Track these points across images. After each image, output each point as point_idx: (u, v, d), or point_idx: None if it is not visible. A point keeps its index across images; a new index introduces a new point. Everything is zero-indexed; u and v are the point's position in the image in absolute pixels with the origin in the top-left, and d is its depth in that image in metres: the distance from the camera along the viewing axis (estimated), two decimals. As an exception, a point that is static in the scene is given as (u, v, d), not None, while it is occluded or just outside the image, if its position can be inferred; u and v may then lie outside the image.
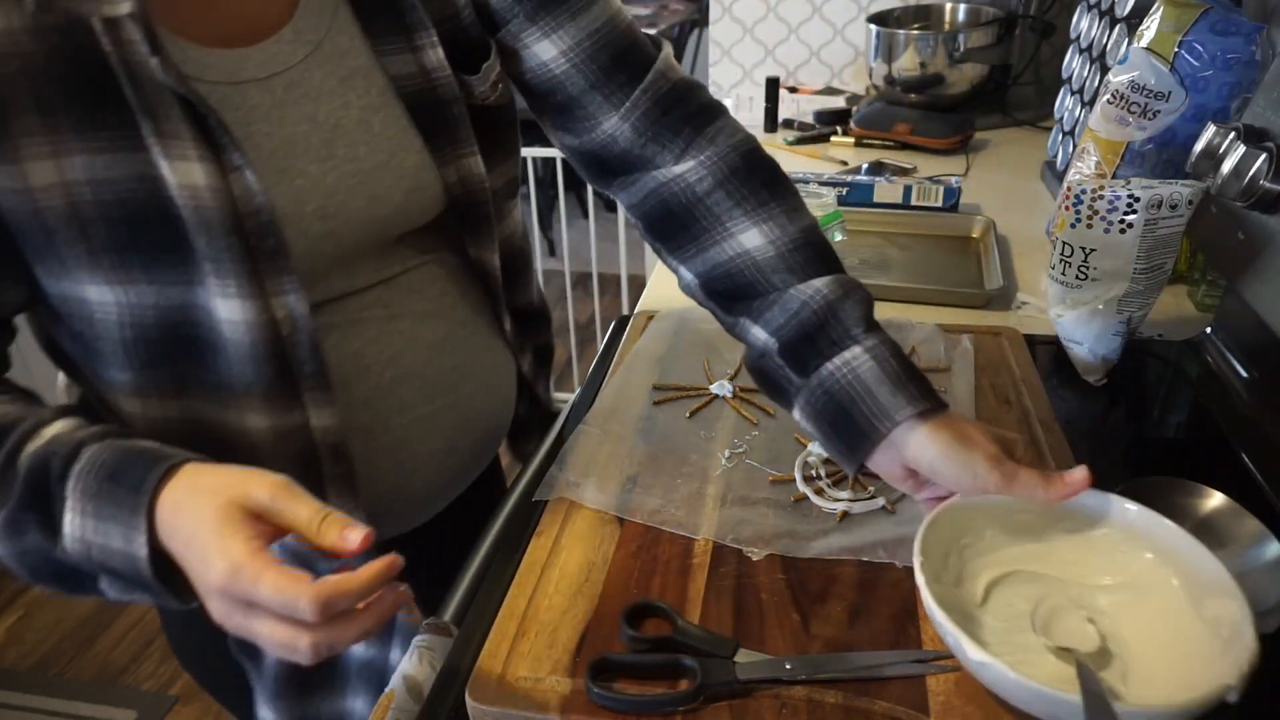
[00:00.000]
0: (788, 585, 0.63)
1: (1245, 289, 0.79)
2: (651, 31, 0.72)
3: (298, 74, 0.61)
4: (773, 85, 1.71)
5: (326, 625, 0.46)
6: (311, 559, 0.56)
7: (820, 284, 0.63)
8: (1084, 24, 1.26)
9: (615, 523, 0.69)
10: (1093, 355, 0.89)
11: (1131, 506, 0.58)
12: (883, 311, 0.65)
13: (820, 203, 1.12)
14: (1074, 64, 1.29)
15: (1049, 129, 1.41)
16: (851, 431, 0.60)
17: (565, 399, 0.91)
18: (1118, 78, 0.97)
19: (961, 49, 1.59)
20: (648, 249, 0.76)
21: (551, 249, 3.49)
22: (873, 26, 1.66)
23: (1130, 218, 0.82)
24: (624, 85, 0.68)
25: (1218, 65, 0.91)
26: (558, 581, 0.63)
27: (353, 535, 0.47)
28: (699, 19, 3.61)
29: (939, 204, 1.27)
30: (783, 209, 0.67)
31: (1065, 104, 1.31)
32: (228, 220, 0.56)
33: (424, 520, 0.78)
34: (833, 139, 1.63)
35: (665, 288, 1.09)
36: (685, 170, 0.68)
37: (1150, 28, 0.95)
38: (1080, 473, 0.56)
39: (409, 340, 0.70)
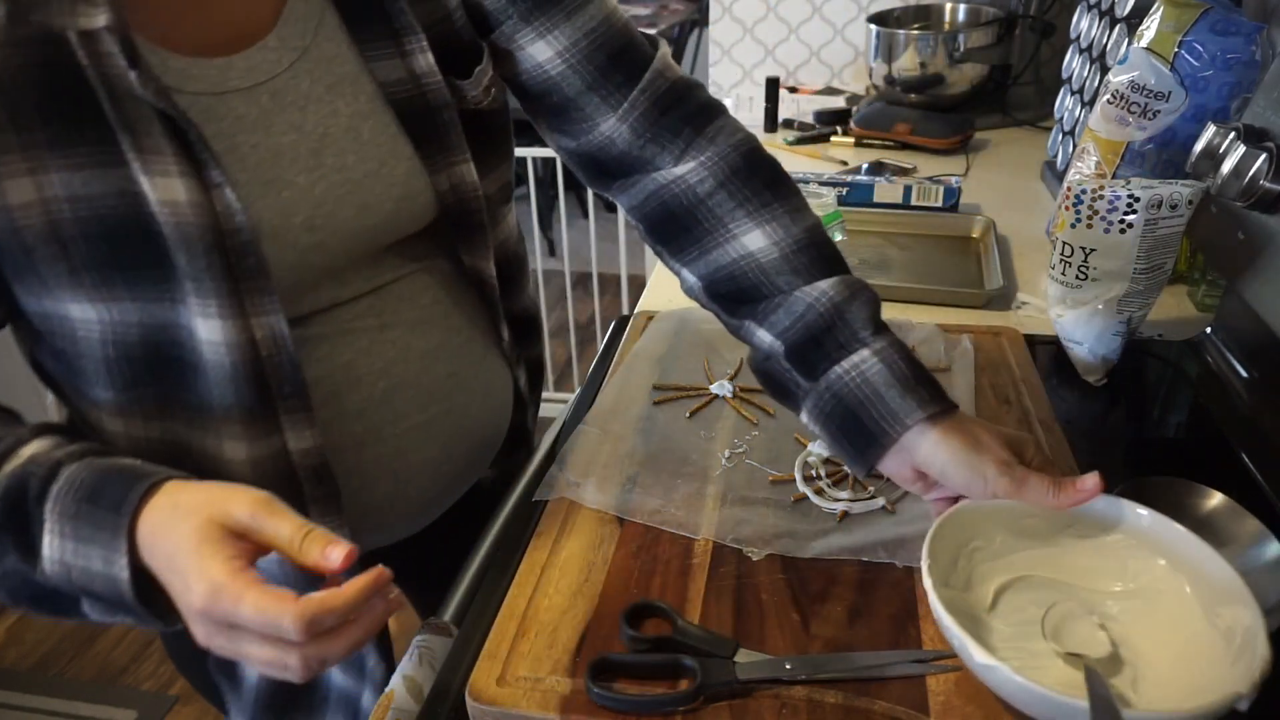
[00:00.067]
0: (788, 585, 0.63)
1: (1245, 289, 0.79)
2: (651, 31, 0.71)
3: (283, 82, 0.60)
4: (773, 85, 1.71)
5: (315, 641, 0.45)
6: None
7: (825, 286, 0.63)
8: (1084, 24, 1.26)
9: (615, 523, 0.69)
10: (1093, 355, 0.89)
11: (1144, 512, 0.57)
12: (883, 311, 0.65)
13: (820, 203, 1.12)
14: (1074, 64, 1.29)
15: (1049, 129, 1.41)
16: (861, 436, 0.60)
17: (565, 399, 0.91)
18: (1118, 78, 0.97)
19: (961, 49, 1.59)
20: (648, 249, 0.75)
21: (551, 249, 3.49)
22: (873, 26, 1.66)
23: (1130, 218, 0.82)
24: (621, 86, 0.67)
25: (1218, 65, 0.91)
26: (558, 581, 0.63)
27: (335, 553, 0.46)
28: (699, 19, 3.60)
29: (939, 204, 1.27)
30: (785, 209, 0.66)
31: (1065, 104, 1.31)
32: (209, 237, 0.55)
33: (420, 528, 0.78)
34: (833, 139, 1.63)
35: (665, 288, 1.09)
36: (686, 171, 0.67)
37: (1150, 28, 0.95)
38: (1091, 480, 0.55)
39: (402, 349, 0.69)
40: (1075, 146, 1.13)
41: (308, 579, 0.48)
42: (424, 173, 0.66)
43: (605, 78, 0.67)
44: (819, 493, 0.71)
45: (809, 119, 1.71)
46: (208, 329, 0.57)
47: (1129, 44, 0.98)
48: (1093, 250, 0.85)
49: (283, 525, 0.47)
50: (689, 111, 0.68)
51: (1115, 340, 0.88)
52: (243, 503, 0.48)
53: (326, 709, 0.73)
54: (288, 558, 0.47)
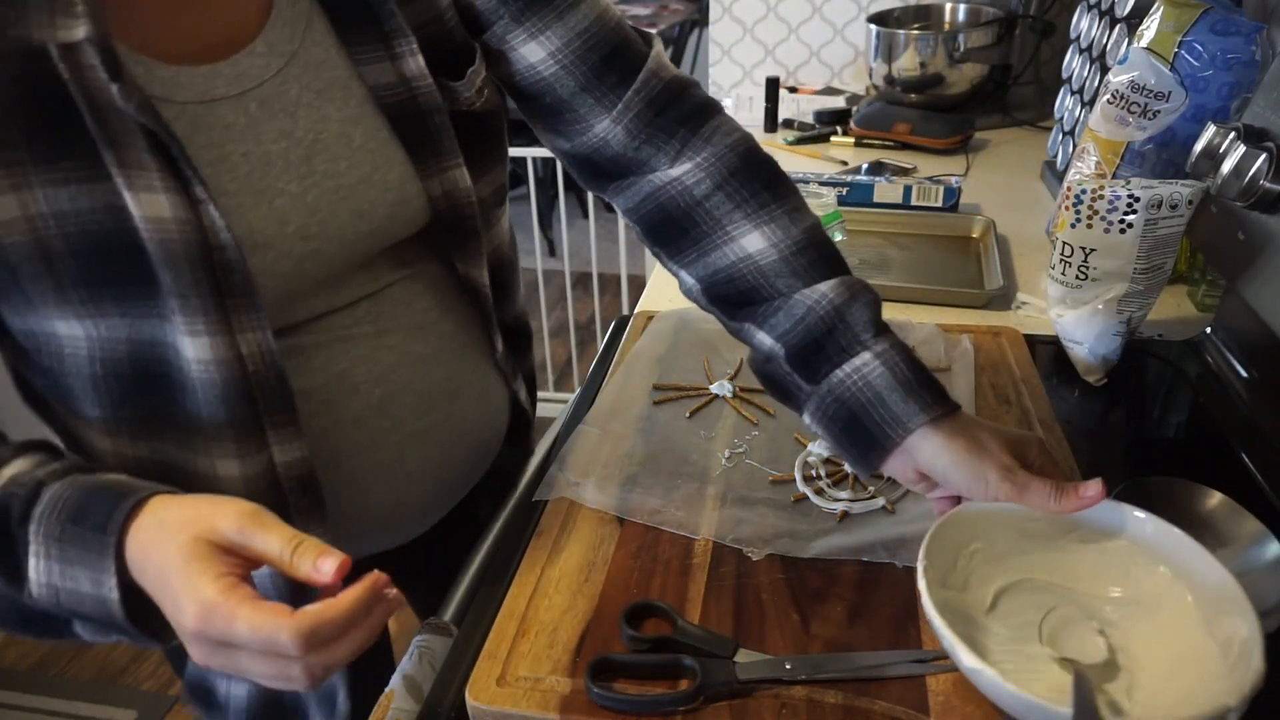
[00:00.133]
0: (788, 585, 0.63)
1: (1245, 289, 0.79)
2: (651, 31, 0.71)
3: (272, 88, 0.59)
4: (773, 85, 1.71)
5: (316, 651, 0.44)
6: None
7: (825, 288, 0.62)
8: (1084, 24, 1.26)
9: (615, 523, 0.69)
10: (1093, 355, 0.89)
11: (1148, 520, 0.57)
12: (883, 312, 0.65)
13: (820, 203, 1.12)
14: (1074, 64, 1.29)
15: (1049, 129, 1.41)
16: (864, 438, 0.59)
17: (565, 399, 0.91)
18: (1118, 78, 0.97)
19: (961, 49, 1.59)
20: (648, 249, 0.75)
21: (551, 249, 3.49)
22: (873, 26, 1.66)
23: (1130, 218, 0.82)
24: (615, 87, 0.66)
25: (1218, 65, 0.91)
26: (558, 581, 0.63)
27: (326, 565, 0.45)
28: (699, 19, 3.61)
29: (939, 204, 1.27)
30: (784, 210, 0.66)
31: (1065, 104, 1.31)
32: (195, 253, 0.53)
33: (420, 532, 0.77)
34: (833, 139, 1.63)
35: (665, 288, 1.09)
36: (682, 173, 0.67)
37: (1150, 28, 0.95)
38: (1094, 486, 0.55)
39: (399, 356, 0.68)
40: (1075, 146, 1.13)
41: (302, 588, 0.47)
42: (417, 177, 0.65)
43: (599, 79, 0.66)
44: (819, 493, 0.71)
45: (809, 119, 1.71)
46: (195, 347, 0.55)
47: (1129, 44, 0.98)
48: (1093, 250, 0.85)
49: (271, 539, 0.46)
50: (684, 112, 0.68)
51: (1115, 340, 0.88)
52: (229, 517, 0.47)
53: None
54: (279, 571, 0.46)
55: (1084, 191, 0.84)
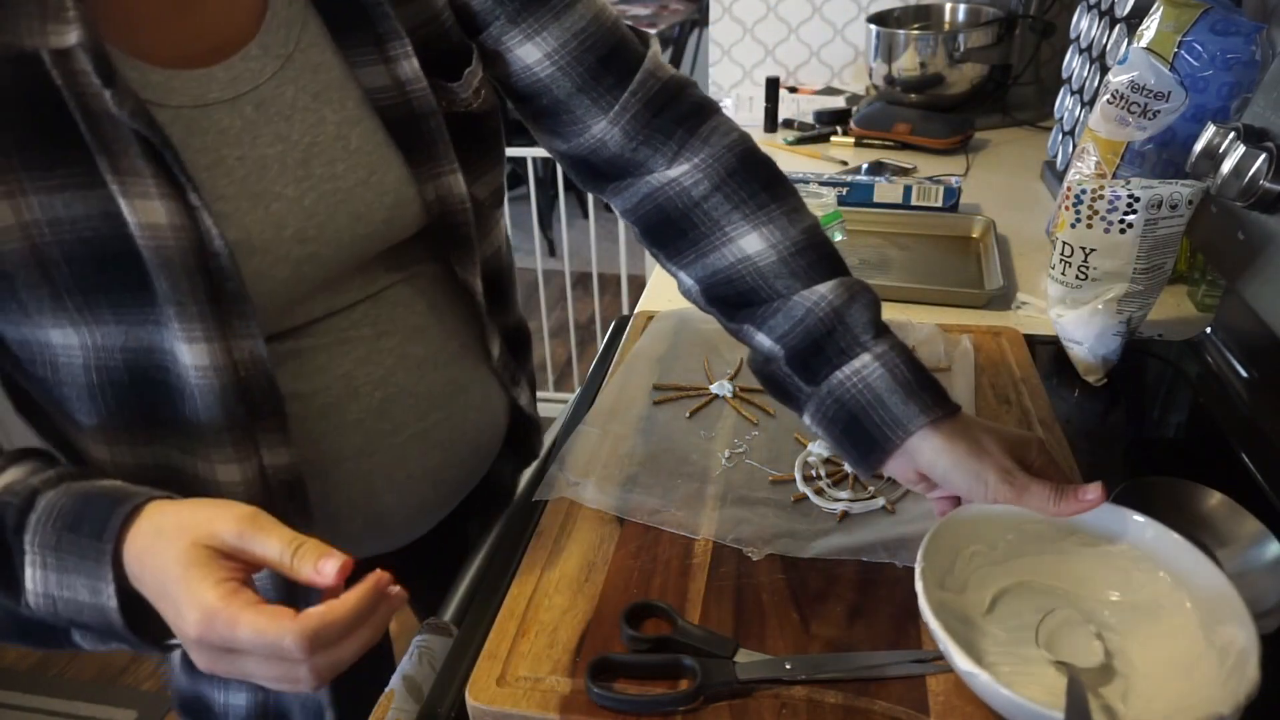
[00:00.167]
0: (788, 585, 0.63)
1: (1245, 289, 0.79)
2: (651, 31, 0.70)
3: (268, 91, 0.58)
4: (773, 85, 1.71)
5: (322, 651, 0.44)
6: None
7: (825, 289, 0.62)
8: (1084, 24, 1.26)
9: (615, 523, 0.69)
10: (1093, 355, 0.89)
11: (1149, 524, 0.57)
12: (883, 312, 0.65)
13: (820, 203, 1.12)
14: (1074, 64, 1.29)
15: (1049, 129, 1.41)
16: (865, 440, 0.59)
17: (565, 399, 0.91)
18: (1118, 78, 0.97)
19: (961, 49, 1.59)
20: (647, 249, 0.75)
21: (551, 249, 3.49)
22: (873, 26, 1.66)
23: (1130, 218, 0.82)
24: (612, 88, 0.66)
25: (1218, 65, 0.91)
26: (558, 581, 0.63)
27: (328, 566, 0.45)
28: (699, 19, 3.61)
29: (939, 204, 1.27)
30: (782, 210, 0.65)
31: (1065, 104, 1.31)
32: (191, 260, 0.53)
33: (421, 534, 0.77)
34: (833, 139, 1.63)
35: (665, 288, 1.09)
36: (680, 174, 0.67)
37: (1150, 28, 0.95)
38: (1093, 490, 0.55)
39: (398, 358, 0.68)
40: (1075, 146, 1.13)
41: (301, 588, 0.47)
42: (413, 181, 0.64)
43: (595, 80, 0.65)
44: (819, 493, 0.71)
45: (809, 119, 1.71)
46: (192, 354, 0.55)
47: (1129, 44, 0.98)
48: (1093, 250, 0.85)
49: (271, 542, 0.46)
50: (682, 112, 0.67)
51: (1115, 340, 0.88)
52: (228, 521, 0.46)
53: None
54: (280, 574, 0.46)
55: (1084, 191, 0.84)
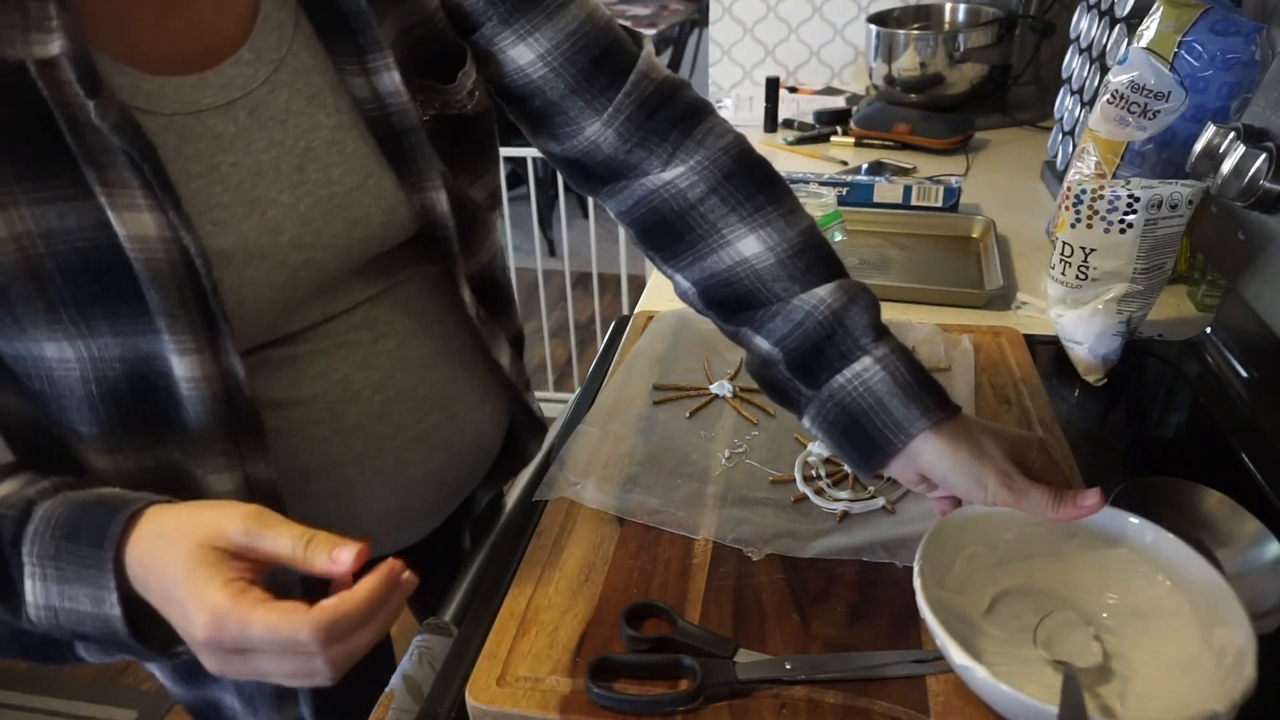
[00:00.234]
0: (788, 585, 0.63)
1: (1245, 289, 0.79)
2: (651, 32, 0.70)
3: (261, 96, 0.57)
4: (773, 85, 1.71)
5: (338, 641, 0.44)
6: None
7: (823, 293, 0.62)
8: (1084, 24, 1.26)
9: (615, 523, 0.69)
10: (1093, 355, 0.89)
11: (1149, 528, 0.57)
12: (883, 312, 0.65)
13: (820, 203, 1.12)
14: (1074, 64, 1.29)
15: (1049, 129, 1.41)
16: (866, 444, 0.59)
17: (565, 399, 0.90)
18: (1118, 78, 0.97)
19: (961, 49, 1.59)
20: (647, 250, 0.75)
21: (551, 249, 3.49)
22: (873, 26, 1.66)
23: (1130, 218, 0.82)
24: (605, 89, 0.65)
25: (1218, 65, 0.91)
26: (558, 581, 0.63)
27: (344, 554, 0.45)
28: (699, 19, 3.60)
29: (939, 204, 1.27)
30: (779, 212, 0.65)
31: (1065, 104, 1.31)
32: (181, 272, 0.52)
33: (423, 535, 0.77)
34: (833, 139, 1.63)
35: (665, 288, 1.09)
36: (675, 176, 0.66)
37: (1150, 28, 0.95)
38: (1092, 496, 0.55)
39: (397, 360, 0.67)
40: (1075, 146, 1.13)
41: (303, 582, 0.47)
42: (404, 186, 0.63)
43: (589, 81, 0.65)
44: (819, 493, 0.71)
45: (809, 119, 1.71)
46: (184, 365, 0.54)
47: (1129, 44, 0.98)
48: (1093, 250, 0.85)
49: (281, 537, 0.46)
50: (676, 114, 0.67)
51: (1115, 340, 0.88)
52: (234, 520, 0.46)
53: None
54: (293, 567, 0.46)
55: (1084, 191, 0.84)
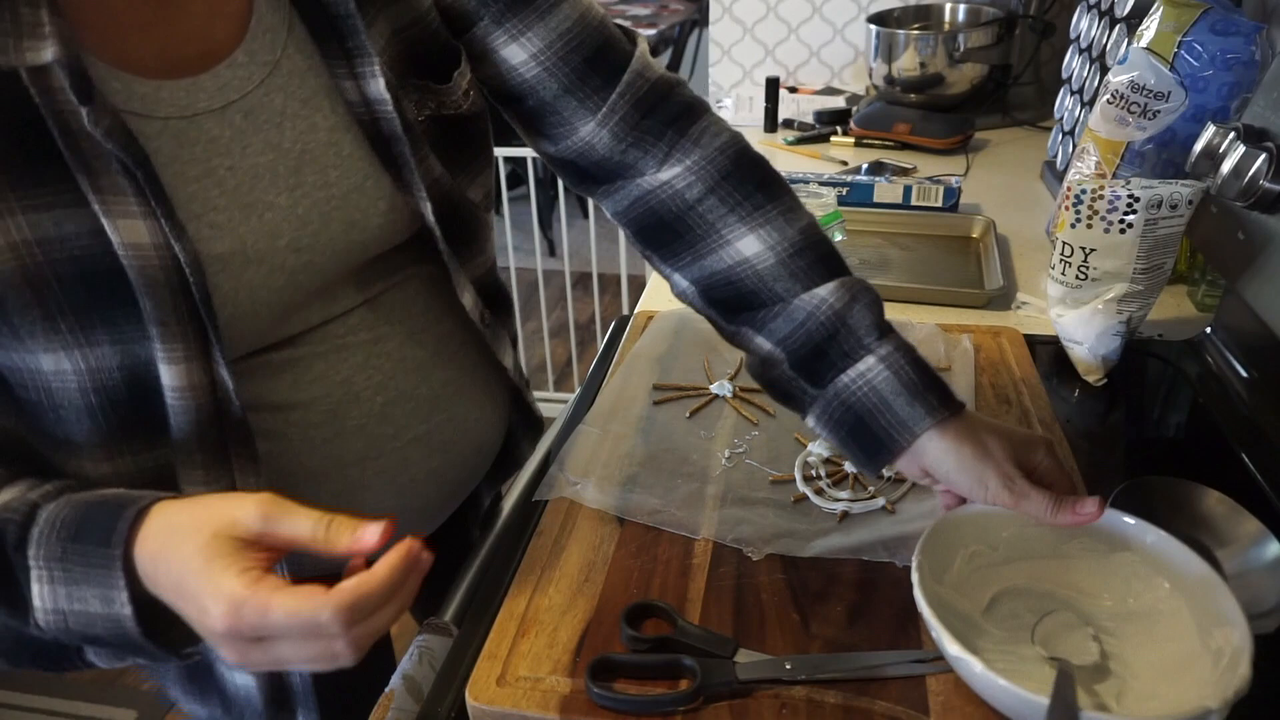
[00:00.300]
0: (788, 585, 0.63)
1: (1245, 289, 0.79)
2: (651, 32, 0.70)
3: (256, 99, 0.57)
4: (773, 85, 1.71)
5: (360, 622, 0.44)
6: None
7: (825, 292, 0.62)
8: (1084, 24, 1.26)
9: (615, 523, 0.69)
10: (1093, 355, 0.89)
11: (1150, 531, 0.57)
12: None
13: (820, 203, 1.12)
14: (1074, 64, 1.29)
15: (1049, 129, 1.41)
16: (871, 443, 0.59)
17: (565, 399, 0.91)
18: (1118, 78, 0.97)
19: (961, 49, 1.59)
20: (648, 250, 0.74)
21: (551, 249, 3.49)
22: (873, 26, 1.66)
23: (1130, 218, 0.82)
24: (599, 88, 0.65)
25: (1218, 65, 0.91)
26: (558, 581, 0.63)
27: (369, 533, 0.45)
28: (699, 19, 3.60)
29: (939, 204, 1.27)
30: (779, 211, 0.65)
31: (1065, 104, 1.31)
32: (174, 279, 0.52)
33: (424, 535, 0.77)
34: (833, 139, 1.63)
35: (665, 288, 1.08)
36: (672, 177, 0.66)
37: (1150, 28, 0.95)
38: (1091, 504, 0.55)
39: (398, 361, 0.67)
40: (1075, 146, 1.13)
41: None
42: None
43: (582, 81, 0.64)
44: (819, 493, 0.71)
45: (809, 119, 1.71)
46: (171, 374, 0.54)
47: (1129, 44, 0.98)
48: (1093, 250, 0.85)
49: (300, 521, 0.45)
50: (671, 113, 0.67)
51: (1115, 340, 0.88)
52: (248, 509, 0.45)
53: None
54: (314, 552, 0.45)
55: (1084, 191, 0.84)
